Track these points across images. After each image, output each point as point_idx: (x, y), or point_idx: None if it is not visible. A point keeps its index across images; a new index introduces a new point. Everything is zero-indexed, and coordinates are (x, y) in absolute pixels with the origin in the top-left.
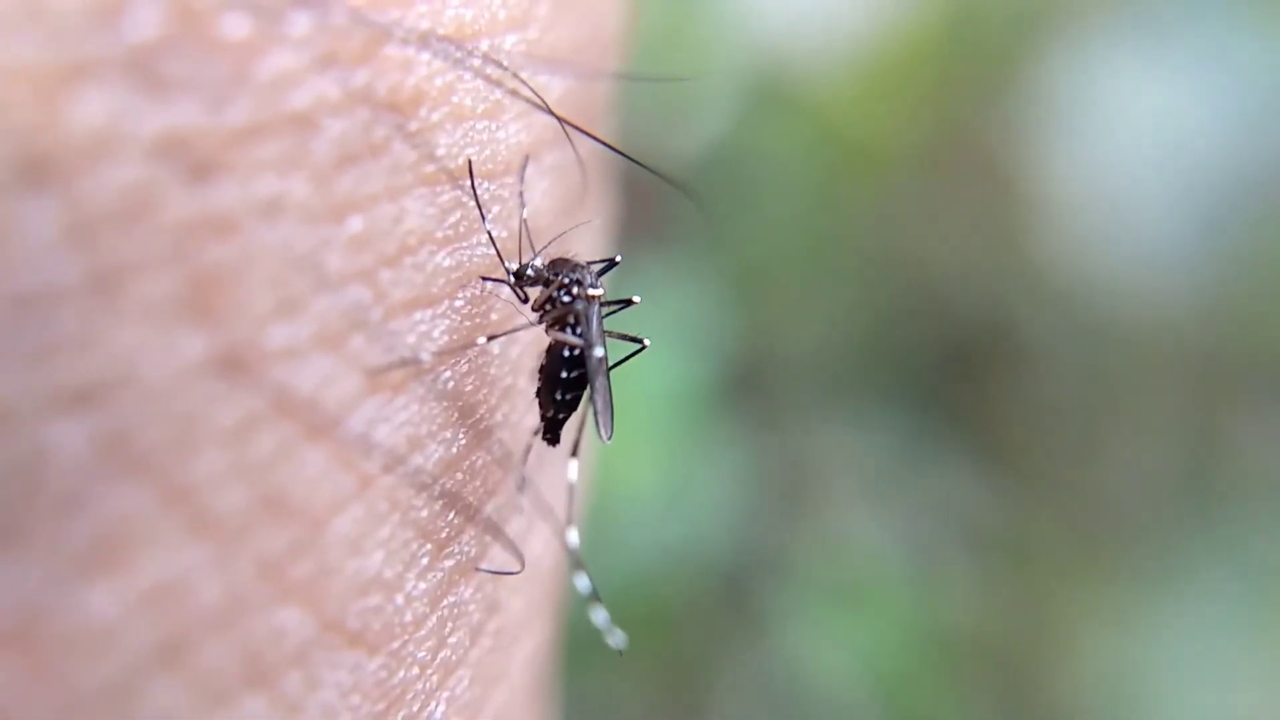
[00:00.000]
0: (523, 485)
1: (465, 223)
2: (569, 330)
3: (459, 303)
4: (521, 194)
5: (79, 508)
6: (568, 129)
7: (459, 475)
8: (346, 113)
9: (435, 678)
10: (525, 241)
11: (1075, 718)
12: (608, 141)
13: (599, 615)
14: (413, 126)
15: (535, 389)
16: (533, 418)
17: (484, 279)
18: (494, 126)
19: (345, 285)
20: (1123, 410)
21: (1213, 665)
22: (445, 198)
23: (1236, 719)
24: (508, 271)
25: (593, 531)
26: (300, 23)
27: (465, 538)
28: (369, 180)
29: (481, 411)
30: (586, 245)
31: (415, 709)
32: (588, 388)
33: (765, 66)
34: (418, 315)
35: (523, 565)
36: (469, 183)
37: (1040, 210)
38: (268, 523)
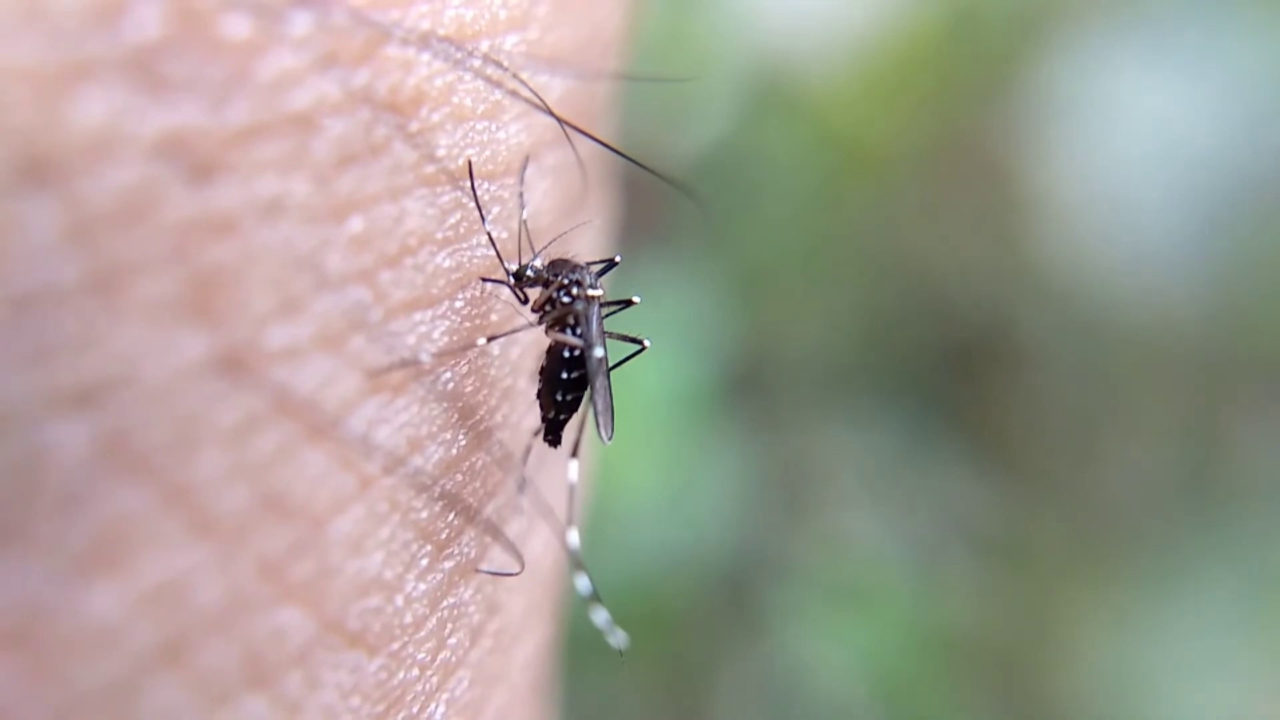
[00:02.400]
0: (523, 486)
1: (465, 223)
2: (569, 331)
3: (459, 304)
4: (521, 195)
5: (79, 508)
6: (568, 129)
7: (459, 476)
8: (347, 113)
9: (435, 679)
10: (525, 242)
11: (1075, 718)
12: (608, 142)
13: (599, 615)
14: (413, 127)
15: (535, 390)
16: (533, 419)
17: (484, 280)
18: (494, 127)
19: (345, 286)
20: (1123, 410)
21: (1213, 665)
22: (445, 198)
23: (1236, 719)
24: (507, 272)
25: (593, 532)
26: (301, 23)
27: (465, 539)
28: (369, 180)
29: (481, 412)
30: (586, 245)
31: (415, 710)
32: (588, 388)
33: (765, 67)
34: (418, 316)
35: (522, 566)
36: (469, 183)
37: (1040, 210)
38: (268, 523)
